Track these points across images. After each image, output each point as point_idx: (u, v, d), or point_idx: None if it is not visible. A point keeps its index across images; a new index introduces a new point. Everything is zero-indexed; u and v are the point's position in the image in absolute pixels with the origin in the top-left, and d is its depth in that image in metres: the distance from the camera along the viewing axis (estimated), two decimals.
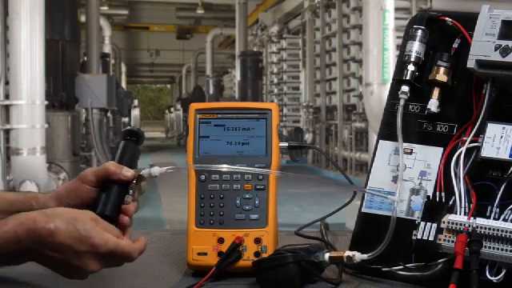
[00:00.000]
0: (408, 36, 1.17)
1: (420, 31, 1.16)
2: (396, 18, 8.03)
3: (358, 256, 1.07)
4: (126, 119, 16.64)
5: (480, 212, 1.03)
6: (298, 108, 17.41)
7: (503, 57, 1.05)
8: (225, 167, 1.13)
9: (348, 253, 1.07)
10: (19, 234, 0.91)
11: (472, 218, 1.01)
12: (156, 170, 1.07)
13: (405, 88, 1.15)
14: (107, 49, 19.79)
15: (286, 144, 1.20)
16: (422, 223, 1.09)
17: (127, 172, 1.05)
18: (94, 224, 0.94)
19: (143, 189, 1.08)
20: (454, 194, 1.06)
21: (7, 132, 7.02)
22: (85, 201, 1.05)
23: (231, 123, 1.19)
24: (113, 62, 19.41)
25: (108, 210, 1.02)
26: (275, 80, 18.34)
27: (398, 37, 7.94)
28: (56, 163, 8.37)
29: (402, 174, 1.11)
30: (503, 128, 1.05)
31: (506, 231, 0.98)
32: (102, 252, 0.93)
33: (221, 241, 1.14)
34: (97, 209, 1.02)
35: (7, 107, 6.91)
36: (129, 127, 1.16)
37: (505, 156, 1.04)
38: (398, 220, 1.09)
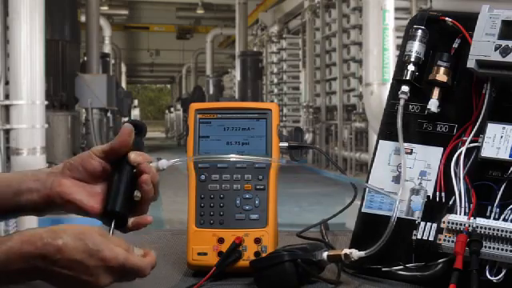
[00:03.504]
0: (408, 36, 1.17)
1: (420, 31, 1.16)
2: (396, 18, 8.03)
3: (356, 253, 1.07)
4: (125, 119, 16.65)
5: (480, 212, 1.03)
6: (298, 108, 17.41)
7: (503, 57, 1.05)
8: (231, 157, 1.14)
9: (346, 250, 1.07)
10: (25, 251, 0.88)
11: (472, 218, 1.01)
12: (164, 163, 1.05)
13: (405, 88, 1.15)
14: (107, 49, 19.81)
15: (285, 144, 1.20)
16: (422, 223, 1.09)
17: (122, 137, 1.02)
18: (103, 238, 0.92)
19: (156, 180, 1.05)
20: (454, 194, 1.06)
21: (7, 132, 7.01)
22: (90, 172, 1.03)
23: (231, 123, 1.19)
24: (113, 61, 19.40)
25: (118, 205, 1.00)
26: (275, 80, 18.35)
27: (397, 37, 7.94)
28: (56, 163, 8.34)
29: (405, 174, 1.11)
30: (503, 128, 1.05)
31: (506, 231, 0.98)
32: (112, 266, 0.91)
33: (221, 241, 1.14)
34: (107, 206, 1.01)
35: (7, 107, 6.90)
36: (132, 119, 1.15)
37: (505, 156, 1.04)
38: (398, 220, 1.09)
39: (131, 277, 0.95)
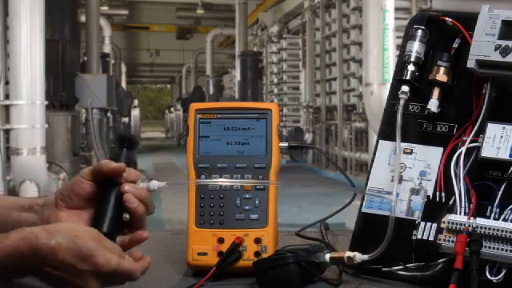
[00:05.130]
0: (408, 36, 1.17)
1: (420, 31, 1.16)
2: (396, 18, 8.02)
3: (359, 256, 1.07)
4: (126, 119, 16.64)
5: (480, 212, 1.03)
6: (298, 108, 17.41)
7: (503, 57, 1.05)
8: (225, 181, 1.14)
9: (348, 253, 1.07)
10: (22, 248, 0.89)
11: (472, 218, 1.01)
12: (155, 184, 1.03)
13: (405, 88, 1.15)
14: (107, 49, 19.80)
15: (285, 144, 1.20)
16: (422, 223, 1.09)
17: (114, 164, 1.01)
18: (97, 243, 0.92)
19: (144, 196, 1.02)
20: (454, 194, 1.06)
21: (7, 132, 7.01)
22: (82, 197, 1.02)
23: (231, 123, 1.19)
24: (113, 61, 19.38)
25: (104, 226, 0.98)
26: (275, 80, 18.34)
27: (397, 37, 7.94)
28: (56, 163, 8.37)
29: (399, 173, 1.11)
30: (503, 128, 1.05)
31: (506, 231, 0.98)
32: (104, 271, 0.91)
33: (221, 241, 1.14)
34: (97, 226, 0.98)
35: (7, 107, 6.90)
36: (123, 133, 1.13)
37: (505, 156, 1.04)
38: (398, 220, 1.09)
39: (121, 280, 0.95)
